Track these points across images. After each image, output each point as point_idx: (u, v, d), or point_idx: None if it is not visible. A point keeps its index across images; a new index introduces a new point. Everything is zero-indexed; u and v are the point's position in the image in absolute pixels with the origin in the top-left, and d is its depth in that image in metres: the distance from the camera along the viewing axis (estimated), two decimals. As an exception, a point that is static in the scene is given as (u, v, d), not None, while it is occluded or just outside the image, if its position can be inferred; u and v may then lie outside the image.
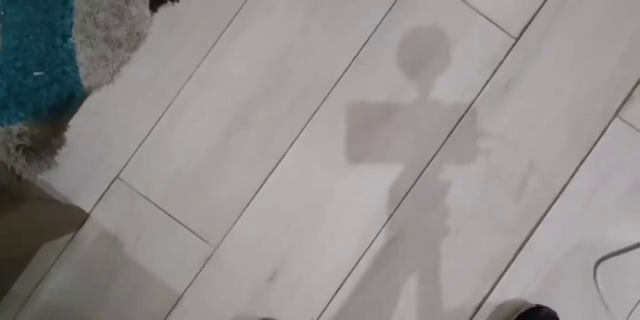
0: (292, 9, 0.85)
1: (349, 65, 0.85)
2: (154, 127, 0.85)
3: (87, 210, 0.83)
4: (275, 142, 0.84)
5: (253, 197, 0.84)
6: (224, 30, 0.85)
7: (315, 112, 0.84)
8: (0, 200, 0.71)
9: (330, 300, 0.83)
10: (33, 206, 0.75)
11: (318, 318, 0.83)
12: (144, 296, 0.83)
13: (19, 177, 0.81)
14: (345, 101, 0.84)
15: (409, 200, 0.83)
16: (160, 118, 0.85)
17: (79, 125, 0.84)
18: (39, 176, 0.83)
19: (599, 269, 0.82)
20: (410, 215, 0.83)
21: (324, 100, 0.84)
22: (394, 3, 0.85)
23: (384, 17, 0.85)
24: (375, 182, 0.84)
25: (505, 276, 0.83)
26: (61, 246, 0.83)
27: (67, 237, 0.83)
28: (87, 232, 0.83)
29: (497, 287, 0.83)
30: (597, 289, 0.82)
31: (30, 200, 0.78)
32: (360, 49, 0.85)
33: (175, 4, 0.85)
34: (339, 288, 0.83)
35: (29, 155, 0.81)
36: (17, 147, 0.80)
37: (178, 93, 0.85)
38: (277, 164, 0.84)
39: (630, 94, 0.84)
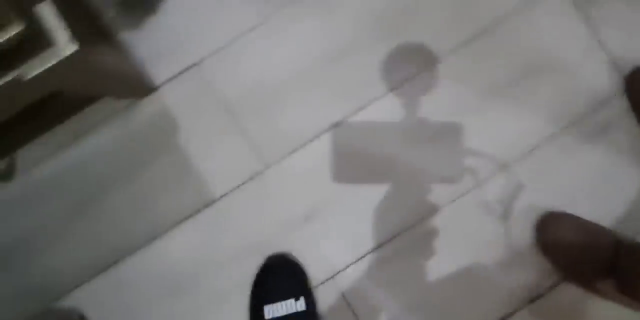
0: None
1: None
2: (255, 28, 0.78)
3: (157, 83, 0.78)
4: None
5: (320, 134, 0.78)
6: None
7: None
8: (94, 33, 0.66)
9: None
10: (113, 51, 0.70)
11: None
12: (174, 189, 0.77)
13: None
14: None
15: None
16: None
17: (185, -3, 0.78)
18: (129, 32, 0.77)
19: None
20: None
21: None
22: None
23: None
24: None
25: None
26: (119, 107, 0.77)
27: (128, 101, 0.77)
28: (149, 104, 0.77)
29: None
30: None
31: (112, 45, 0.73)
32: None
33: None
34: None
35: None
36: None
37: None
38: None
39: None
